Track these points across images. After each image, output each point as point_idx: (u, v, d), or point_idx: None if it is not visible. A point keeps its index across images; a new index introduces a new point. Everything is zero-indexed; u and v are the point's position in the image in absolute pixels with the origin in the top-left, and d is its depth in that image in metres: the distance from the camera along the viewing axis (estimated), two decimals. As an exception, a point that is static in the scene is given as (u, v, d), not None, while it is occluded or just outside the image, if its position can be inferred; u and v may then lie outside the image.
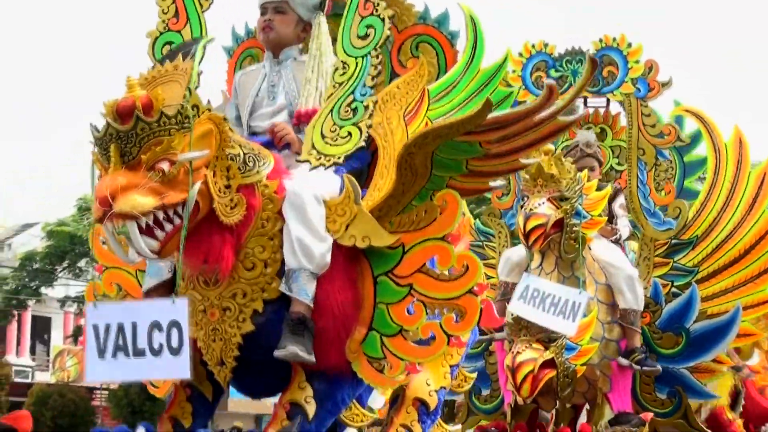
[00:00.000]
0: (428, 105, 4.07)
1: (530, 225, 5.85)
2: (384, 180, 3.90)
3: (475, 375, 5.19)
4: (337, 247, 3.80)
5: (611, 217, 6.85)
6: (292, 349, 3.60)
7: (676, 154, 7.05)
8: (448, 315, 3.79)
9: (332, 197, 3.84)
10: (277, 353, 3.62)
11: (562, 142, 7.42)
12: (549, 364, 5.85)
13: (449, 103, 4.12)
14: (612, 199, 6.87)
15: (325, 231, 3.77)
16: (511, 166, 4.02)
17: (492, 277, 6.88)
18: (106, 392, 29.80)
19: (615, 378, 6.33)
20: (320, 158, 3.90)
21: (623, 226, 6.73)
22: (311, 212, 3.76)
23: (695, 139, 7.04)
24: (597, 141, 7.03)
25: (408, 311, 3.81)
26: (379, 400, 4.65)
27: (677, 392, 6.44)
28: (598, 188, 6.38)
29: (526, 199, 6.06)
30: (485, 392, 6.89)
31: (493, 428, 6.28)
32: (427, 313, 3.80)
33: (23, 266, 30.66)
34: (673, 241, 6.58)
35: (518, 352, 5.81)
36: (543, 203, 5.93)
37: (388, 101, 4.03)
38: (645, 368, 6.18)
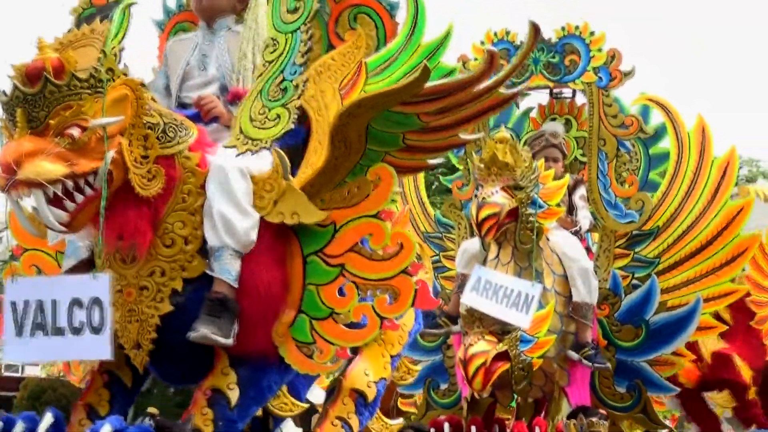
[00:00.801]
0: (366, 79, 3.78)
1: (483, 214, 5.58)
2: (317, 155, 3.64)
3: (418, 367, 4.90)
4: (264, 224, 3.54)
5: (571, 209, 6.59)
6: (203, 331, 3.33)
7: (641, 146, 6.80)
8: (381, 296, 3.53)
9: (261, 172, 3.56)
10: (189, 335, 3.34)
11: (526, 132, 7.18)
12: (502, 356, 5.58)
13: (388, 77, 3.84)
14: (573, 190, 6.61)
15: (250, 206, 3.51)
16: (450, 142, 3.77)
17: (451, 269, 6.64)
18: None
19: (573, 371, 6.06)
20: (247, 143, 3.63)
21: (583, 218, 6.46)
22: (236, 186, 3.49)
23: (660, 131, 6.76)
24: (564, 133, 6.76)
25: (339, 293, 3.55)
26: (318, 393, 4.37)
27: (637, 386, 6.19)
28: (557, 178, 6.13)
29: (480, 188, 5.79)
30: (443, 386, 6.64)
31: (446, 422, 5.98)
32: (359, 295, 3.54)
33: None
34: (634, 232, 6.32)
35: (470, 345, 5.54)
36: (497, 192, 5.66)
37: (322, 73, 3.75)
38: (595, 365, 5.92)
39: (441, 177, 9.08)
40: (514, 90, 3.87)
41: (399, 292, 3.51)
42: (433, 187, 14.71)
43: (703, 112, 6.44)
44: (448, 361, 6.47)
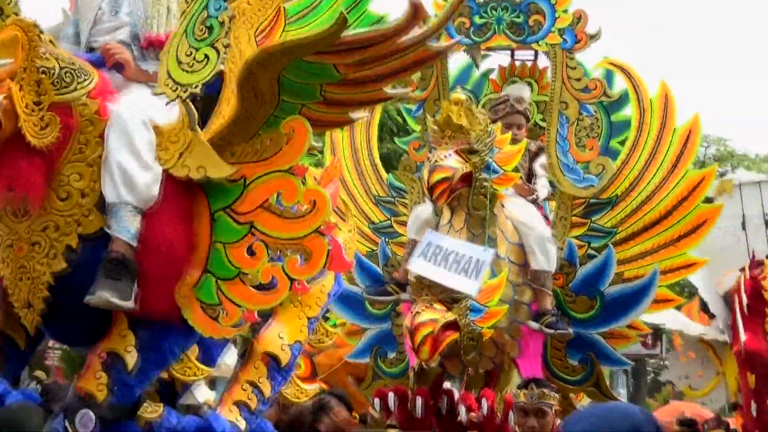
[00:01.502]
0: (284, 26, 3.53)
1: (435, 178, 5.34)
2: (230, 106, 3.39)
3: (338, 330, 4.67)
4: (169, 178, 3.31)
5: (531, 176, 6.35)
6: (102, 294, 3.11)
7: (603, 113, 6.55)
8: (292, 257, 3.30)
9: (167, 123, 3.32)
10: (87, 299, 3.11)
11: (485, 94, 6.93)
12: (451, 326, 5.35)
13: (308, 25, 3.60)
14: (534, 157, 6.38)
15: (153, 159, 3.27)
16: (373, 96, 3.53)
17: (403, 235, 6.40)
18: (59, 351, 29.28)
19: (525, 342, 5.83)
20: (176, 89, 3.38)
21: (542, 186, 6.22)
22: (137, 137, 3.26)
23: (624, 98, 6.49)
24: (530, 98, 6.51)
25: (248, 252, 3.32)
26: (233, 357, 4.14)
27: (589, 359, 5.94)
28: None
29: (432, 151, 5.54)
30: (391, 355, 6.41)
31: (391, 392, 5.77)
32: (269, 255, 3.31)
33: None
34: (592, 201, 6.03)
35: (418, 313, 5.30)
36: (450, 155, 5.42)
37: (237, 19, 3.49)
38: (556, 332, 5.68)
39: (396, 139, 8.79)
40: (444, 45, 3.62)
41: (311, 252, 3.29)
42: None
43: (666, 78, 6.17)
44: (396, 329, 6.24)
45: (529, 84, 6.77)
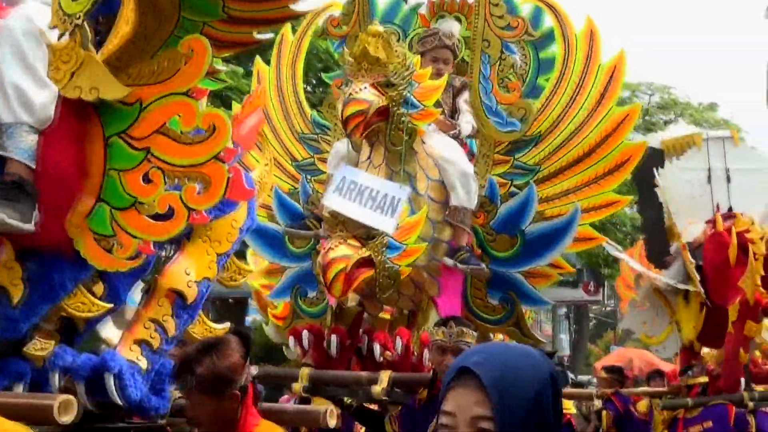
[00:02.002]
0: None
1: (349, 111, 5.16)
2: (128, 25, 3.17)
3: (251, 267, 4.50)
4: (62, 99, 3.08)
5: (454, 112, 6.20)
6: (0, 216, 2.88)
7: (532, 50, 6.40)
8: (190, 185, 3.10)
9: (60, 41, 3.09)
10: None
11: (414, 29, 6.74)
12: (366, 263, 5.21)
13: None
14: (458, 93, 6.22)
15: (47, 77, 3.04)
16: (282, 14, 3.32)
17: (325, 172, 6.23)
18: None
19: (444, 281, 5.72)
20: (65, 21, 3.13)
21: (466, 122, 6.07)
22: (31, 54, 3.04)
23: (552, 35, 6.32)
24: (459, 34, 6.32)
25: (144, 179, 3.12)
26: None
27: (510, 298, 5.84)
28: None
29: (348, 84, 5.36)
30: (311, 294, 6.26)
31: (305, 330, 5.63)
32: (166, 183, 3.11)
33: None
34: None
35: (330, 249, 5.15)
36: (365, 88, 5.23)
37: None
38: (470, 267, 5.56)
39: (323, 74, 8.57)
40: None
41: (210, 180, 3.10)
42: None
43: (592, 13, 6.03)
44: (316, 267, 6.07)
45: (458, 19, 6.58)
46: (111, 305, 3.50)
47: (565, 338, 36.99)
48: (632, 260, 7.59)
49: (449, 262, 5.64)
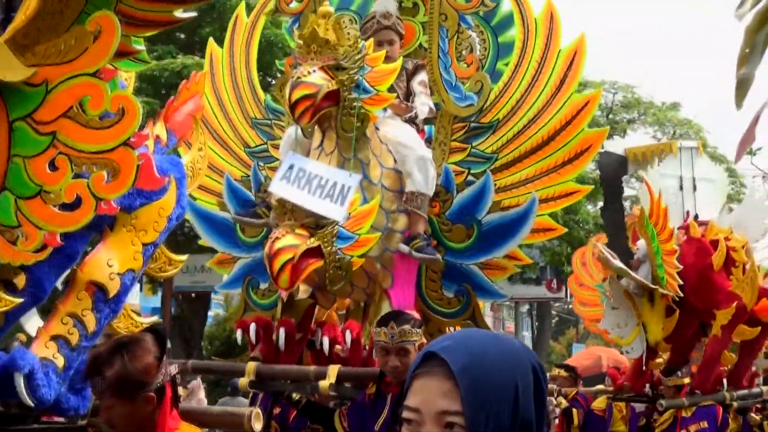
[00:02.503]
0: None
1: (296, 95, 4.95)
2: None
3: (183, 258, 4.30)
4: (-40, 80, 2.87)
5: (409, 96, 6.00)
6: None
7: (491, 34, 6.18)
8: (98, 173, 2.90)
9: None
10: None
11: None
12: (314, 252, 5.02)
13: None
14: (412, 75, 6.02)
15: None
16: (199, -8, 3.11)
17: (278, 159, 6.03)
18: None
19: (397, 273, 5.52)
20: None
21: (421, 104, 5.86)
22: None
23: (509, 19, 6.09)
24: (397, 12, 6.11)
25: (50, 167, 2.92)
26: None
27: (465, 290, 5.66)
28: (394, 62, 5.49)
29: (297, 67, 5.15)
30: (263, 286, 6.07)
31: (252, 322, 5.44)
32: (73, 170, 2.91)
33: None
34: (472, 125, 5.72)
35: (277, 238, 4.96)
36: (314, 71, 5.03)
37: None
38: (423, 255, 5.38)
39: (278, 61, 8.37)
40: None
41: (118, 167, 2.90)
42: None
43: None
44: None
45: (415, 5, 6.35)
46: (22, 299, 3.29)
47: (527, 335, 37.04)
48: (617, 260, 7.49)
49: (404, 248, 5.46)
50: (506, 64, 6.02)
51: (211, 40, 6.72)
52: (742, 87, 3.00)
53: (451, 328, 5.67)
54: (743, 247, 8.18)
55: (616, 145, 9.11)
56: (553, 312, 35.82)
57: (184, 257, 4.19)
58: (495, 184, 5.58)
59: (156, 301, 22.04)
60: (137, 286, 31.07)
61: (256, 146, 6.30)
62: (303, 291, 5.57)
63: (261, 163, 6.17)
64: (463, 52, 5.75)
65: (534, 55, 5.70)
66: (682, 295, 7.70)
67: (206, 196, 6.38)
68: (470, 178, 5.67)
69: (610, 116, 37.86)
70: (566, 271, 24.07)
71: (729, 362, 8.54)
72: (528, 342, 33.34)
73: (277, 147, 6.08)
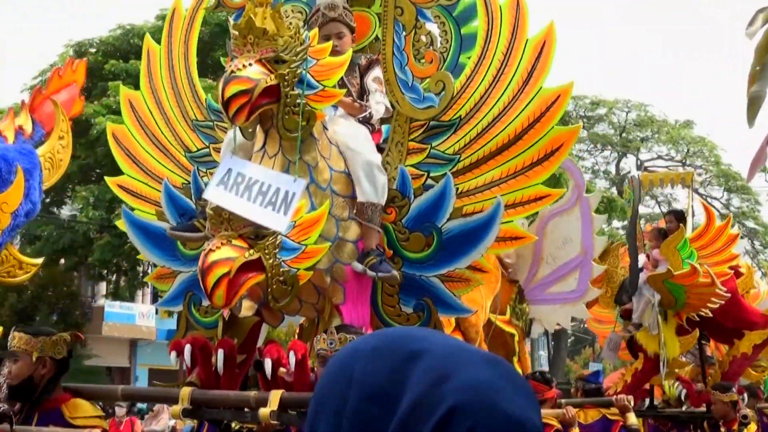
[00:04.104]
0: None
1: (230, 91, 4.68)
2: None
3: (38, 261, 4.00)
4: None
5: (363, 93, 5.75)
6: None
7: (453, 25, 5.93)
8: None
9: None
10: None
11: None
12: (254, 266, 4.75)
13: None
14: (366, 71, 5.77)
15: None
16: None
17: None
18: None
19: (350, 287, 5.26)
20: None
21: (377, 103, 5.62)
22: None
23: (472, 8, 5.81)
24: (345, 2, 5.86)
25: None
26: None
27: (425, 305, 5.36)
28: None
29: (233, 60, 4.89)
30: (206, 303, 5.76)
31: (188, 344, 5.17)
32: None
33: None
34: (432, 124, 5.43)
35: (211, 250, 4.68)
36: (250, 65, 4.77)
37: None
38: (380, 274, 5.12)
39: (214, 54, 8.11)
40: None
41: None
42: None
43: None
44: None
45: None
46: None
47: (543, 354, 36.90)
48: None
49: (358, 267, 5.21)
50: (469, 57, 5.77)
51: (147, 35, 6.45)
52: (754, 104, 3.13)
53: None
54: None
55: (630, 164, 10.09)
56: (569, 331, 35.71)
57: (38, 261, 3.86)
58: (457, 188, 5.31)
59: (171, 323, 21.83)
60: (151, 308, 30.84)
61: (197, 150, 6.03)
62: (247, 308, 5.31)
63: (202, 169, 5.90)
64: (421, 49, 5.48)
65: (499, 46, 5.42)
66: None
67: (144, 205, 6.12)
68: (429, 181, 5.39)
69: (624, 135, 38.03)
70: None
71: (753, 378, 10.49)
72: (544, 362, 33.26)
73: (219, 151, 5.81)
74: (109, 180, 6.55)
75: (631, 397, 8.30)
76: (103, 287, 30.63)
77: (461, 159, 5.39)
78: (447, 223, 5.29)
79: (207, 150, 5.99)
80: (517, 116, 5.34)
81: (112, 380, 29.87)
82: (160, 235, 5.92)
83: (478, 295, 7.70)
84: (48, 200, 27.31)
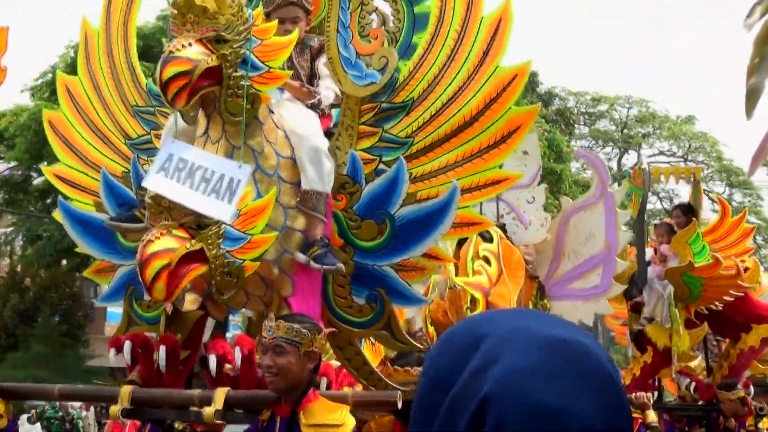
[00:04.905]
0: None
1: (168, 73, 4.52)
2: None
3: None
4: None
5: (313, 77, 5.60)
6: None
7: (406, 4, 5.78)
8: None
9: None
10: None
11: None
12: (196, 257, 4.60)
13: None
14: (317, 54, 5.63)
15: None
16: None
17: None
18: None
19: (299, 278, 5.11)
20: None
21: (326, 88, 5.47)
22: None
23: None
24: None
25: None
26: None
27: (379, 296, 5.21)
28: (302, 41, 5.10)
29: (171, 40, 4.72)
30: (148, 297, 5.60)
31: (127, 340, 5.01)
32: None
33: None
34: (384, 105, 5.28)
35: (150, 241, 4.52)
36: (190, 45, 4.61)
37: None
38: (324, 267, 4.98)
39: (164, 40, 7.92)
40: None
41: None
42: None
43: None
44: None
45: None
46: None
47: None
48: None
49: (302, 258, 5.06)
50: (423, 36, 5.62)
51: (84, 16, 6.26)
52: (752, 97, 3.20)
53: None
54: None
55: (632, 160, 10.33)
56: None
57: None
58: (411, 173, 5.17)
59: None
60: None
61: (138, 137, 5.86)
62: (191, 301, 5.16)
63: (143, 156, 5.73)
64: (366, 26, 5.32)
65: (453, 23, 5.28)
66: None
67: (82, 195, 5.94)
68: (382, 166, 5.25)
69: (625, 131, 38.37)
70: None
71: (759, 371, 10.77)
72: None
73: (161, 137, 5.63)
74: (45, 169, 6.35)
75: (650, 395, 8.29)
76: (105, 288, 30.56)
77: (415, 142, 5.25)
78: (400, 210, 5.16)
79: (148, 137, 5.82)
80: (472, 97, 5.20)
81: (114, 380, 29.89)
82: (98, 227, 5.74)
83: (506, 290, 7.86)
84: (49, 201, 27.08)
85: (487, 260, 7.96)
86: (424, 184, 5.21)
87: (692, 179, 11.20)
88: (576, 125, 39.92)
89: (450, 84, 5.23)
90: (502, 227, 8.97)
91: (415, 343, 5.42)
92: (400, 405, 4.81)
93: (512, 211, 9.38)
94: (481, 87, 5.20)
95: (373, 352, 6.23)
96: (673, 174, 11.42)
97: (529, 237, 9.21)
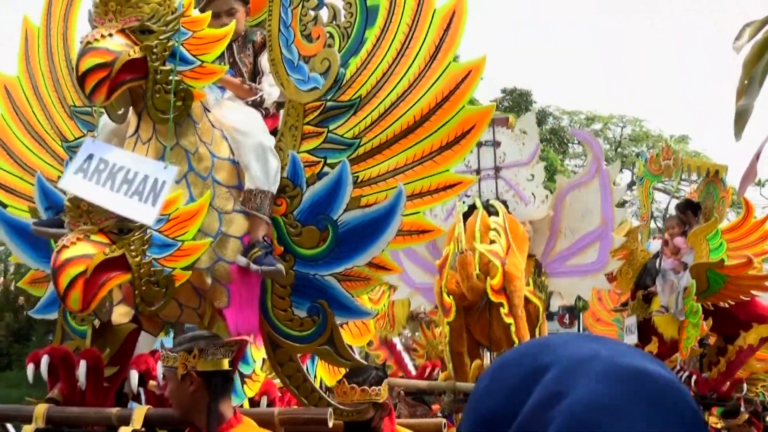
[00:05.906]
0: None
1: (86, 65, 4.30)
2: None
3: None
4: None
5: (256, 74, 5.37)
6: None
7: (359, -3, 5.55)
8: None
9: None
10: None
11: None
12: (117, 264, 4.36)
13: None
14: (260, 50, 5.40)
15: None
16: None
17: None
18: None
19: (235, 288, 4.86)
20: None
21: (270, 86, 5.24)
22: None
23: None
24: None
25: None
26: None
27: (321, 308, 4.95)
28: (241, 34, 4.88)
29: (94, 29, 4.49)
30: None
31: (45, 354, 4.77)
32: None
33: None
34: (329, 104, 5.02)
35: (64, 247, 4.29)
36: (111, 35, 4.39)
37: None
38: (263, 268, 4.74)
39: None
40: None
41: None
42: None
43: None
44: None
45: None
46: None
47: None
48: None
49: (242, 261, 4.82)
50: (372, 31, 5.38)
51: (26, 14, 6.05)
52: (741, 118, 3.27)
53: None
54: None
55: (626, 179, 10.70)
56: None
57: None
58: (356, 176, 4.92)
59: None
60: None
61: (75, 139, 5.63)
62: (122, 314, 4.92)
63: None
64: (309, 24, 5.08)
65: (404, 17, 5.03)
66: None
67: (17, 201, 5.71)
68: (326, 168, 5.00)
69: (619, 149, 38.58)
70: (578, 305, 24.08)
71: (753, 370, 11.17)
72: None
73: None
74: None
75: None
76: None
77: (362, 143, 5.00)
78: (343, 215, 4.91)
79: (85, 138, 5.58)
80: (423, 95, 4.95)
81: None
82: (34, 235, 5.51)
83: (518, 260, 8.33)
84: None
85: (496, 232, 8.31)
86: (371, 189, 4.96)
87: (706, 175, 11.25)
88: (570, 144, 40.03)
89: (400, 81, 4.99)
90: (504, 203, 9.40)
91: (359, 359, 5.15)
92: (330, 424, 4.55)
93: (511, 188, 9.76)
94: (433, 84, 4.96)
95: (330, 369, 5.95)
96: (700, 168, 11.53)
97: (530, 213, 9.64)
